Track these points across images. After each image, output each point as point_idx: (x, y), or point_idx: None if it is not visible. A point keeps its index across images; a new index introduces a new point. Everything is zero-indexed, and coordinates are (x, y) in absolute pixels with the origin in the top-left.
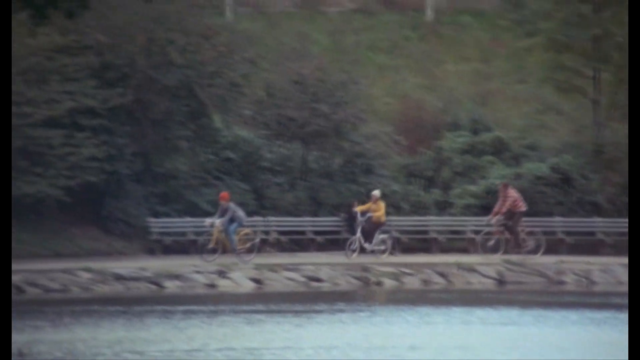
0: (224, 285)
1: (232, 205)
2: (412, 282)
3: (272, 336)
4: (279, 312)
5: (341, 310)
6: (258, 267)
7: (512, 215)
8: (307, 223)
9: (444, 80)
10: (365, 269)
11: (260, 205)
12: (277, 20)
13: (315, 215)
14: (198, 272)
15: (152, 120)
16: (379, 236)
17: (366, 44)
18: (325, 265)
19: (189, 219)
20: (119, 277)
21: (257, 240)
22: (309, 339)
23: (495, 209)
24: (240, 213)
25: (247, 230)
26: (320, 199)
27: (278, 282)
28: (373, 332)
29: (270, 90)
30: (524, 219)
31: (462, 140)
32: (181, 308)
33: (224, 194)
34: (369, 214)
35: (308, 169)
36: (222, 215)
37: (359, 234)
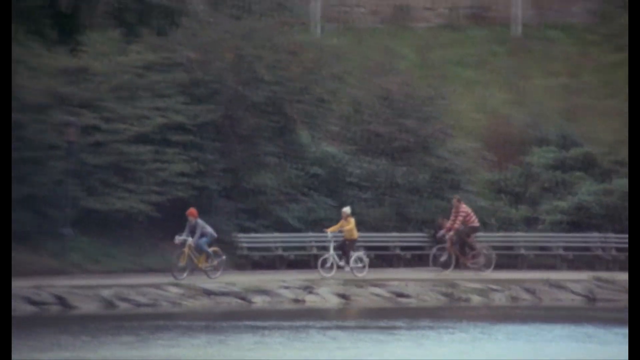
0: (310, 300)
1: (199, 221)
2: (500, 299)
3: (357, 352)
4: (364, 328)
5: (427, 327)
6: (344, 282)
7: (464, 230)
8: (393, 239)
9: (532, 95)
10: (452, 285)
11: None
12: (364, 36)
13: (402, 230)
14: (285, 287)
15: (241, 136)
16: (354, 253)
17: (453, 59)
18: (411, 281)
19: (276, 234)
20: (207, 292)
21: (224, 257)
22: (392, 355)
23: (448, 224)
24: (209, 229)
25: (215, 248)
26: (407, 214)
27: (364, 297)
28: (458, 350)
29: (357, 105)
30: (476, 234)
31: (550, 155)
32: (268, 323)
33: (192, 210)
34: (340, 231)
35: (394, 185)
36: (190, 232)
37: (332, 251)
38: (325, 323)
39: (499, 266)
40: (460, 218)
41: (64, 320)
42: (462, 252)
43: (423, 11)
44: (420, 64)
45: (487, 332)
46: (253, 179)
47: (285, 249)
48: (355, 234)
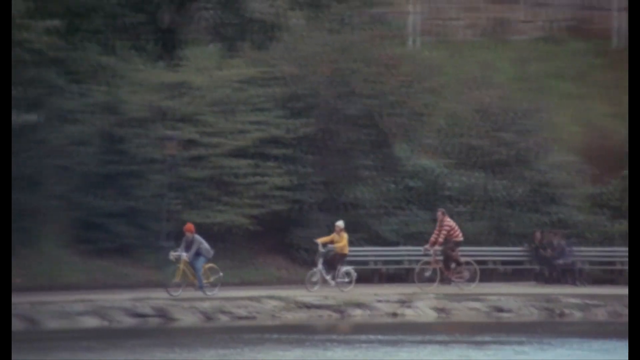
0: (407, 314)
1: (197, 237)
2: (599, 314)
3: None
4: (460, 342)
5: (524, 342)
6: (441, 296)
7: (448, 244)
8: (490, 252)
9: None
10: (550, 299)
11: None
12: (460, 49)
13: (498, 244)
14: (381, 300)
15: (336, 150)
16: (342, 268)
17: (552, 72)
18: (509, 296)
19: (372, 248)
20: (303, 305)
21: (221, 274)
22: None
23: (432, 238)
24: (206, 245)
25: (211, 264)
26: (504, 228)
27: (461, 311)
28: None
29: (453, 119)
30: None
31: None
32: (364, 337)
33: (189, 225)
34: (330, 246)
35: (491, 198)
36: (187, 248)
37: (320, 265)
38: (420, 337)
39: (599, 281)
40: (444, 232)
41: (163, 332)
42: (446, 267)
43: (521, 24)
44: (517, 76)
45: (587, 347)
46: (349, 192)
47: (381, 262)
48: (346, 249)
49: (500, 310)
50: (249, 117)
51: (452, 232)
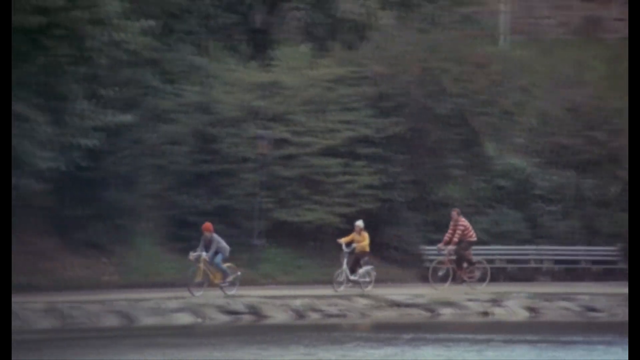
0: (498, 313)
1: (215, 236)
2: None
3: None
4: (551, 342)
5: (615, 342)
6: (533, 295)
7: (462, 244)
8: (581, 252)
9: None
10: None
11: (533, 233)
12: (551, 47)
13: (590, 244)
14: (472, 300)
15: (426, 149)
16: (362, 268)
17: None
18: (601, 295)
19: None
20: (394, 304)
21: (239, 273)
22: None
23: (446, 237)
24: (224, 244)
25: (229, 263)
26: (595, 227)
27: (553, 311)
28: None
29: (543, 118)
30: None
31: None
32: (452, 336)
33: (208, 225)
34: (353, 245)
35: (582, 197)
36: (205, 247)
37: (345, 265)
38: (510, 336)
39: None
40: (459, 231)
41: (254, 329)
42: (458, 266)
43: (613, 22)
44: (609, 75)
45: None
46: (438, 191)
47: (469, 261)
48: (367, 248)
49: (591, 309)
50: (339, 116)
51: (466, 231)
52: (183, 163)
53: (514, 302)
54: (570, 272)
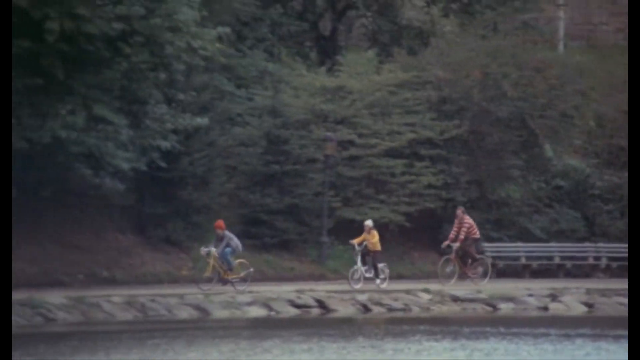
0: (555, 308)
1: (227, 233)
2: None
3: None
4: (606, 336)
5: None
6: (589, 291)
7: (467, 241)
8: None
9: None
10: None
11: (590, 231)
12: (608, 52)
13: None
14: (531, 295)
15: (486, 150)
16: (379, 264)
17: None
18: None
19: (521, 244)
20: (456, 299)
21: (251, 269)
22: None
23: (451, 235)
24: (236, 241)
25: (242, 259)
26: None
27: (609, 306)
28: None
29: (600, 120)
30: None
31: None
32: (511, 330)
33: (220, 222)
34: (364, 244)
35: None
36: (217, 244)
37: (359, 263)
38: (567, 330)
39: None
40: (464, 229)
41: (322, 322)
42: (463, 263)
43: None
44: None
45: None
46: (498, 191)
47: (529, 258)
48: (378, 246)
49: None
50: (402, 119)
51: (471, 229)
52: (254, 164)
53: (572, 297)
54: (627, 269)
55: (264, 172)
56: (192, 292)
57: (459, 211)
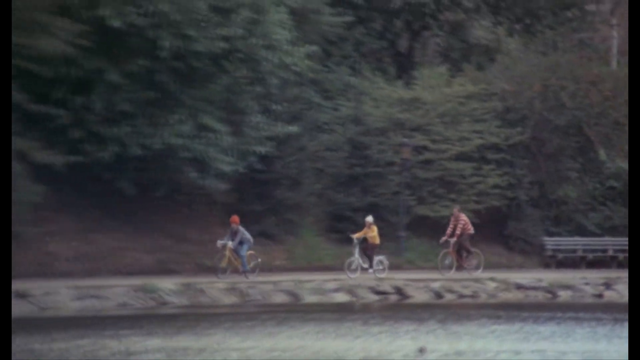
0: (609, 295)
1: (241, 228)
2: None
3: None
4: None
5: None
6: None
7: (462, 236)
8: None
9: None
10: None
11: None
12: None
13: None
14: (587, 283)
15: (546, 154)
16: (376, 257)
17: None
18: None
19: (578, 238)
20: (519, 287)
21: (259, 260)
22: None
23: (448, 231)
24: (248, 235)
25: (251, 251)
26: None
27: None
28: None
29: None
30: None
31: None
32: (569, 314)
33: (235, 217)
34: (364, 237)
35: None
36: (232, 238)
37: (356, 255)
38: (619, 315)
39: None
40: (460, 226)
41: (398, 307)
42: (459, 255)
43: None
44: None
45: None
46: (557, 191)
47: (585, 250)
48: (377, 240)
49: None
50: (471, 126)
51: (466, 226)
52: (339, 166)
53: (624, 286)
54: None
55: (347, 174)
56: (285, 280)
57: (455, 210)
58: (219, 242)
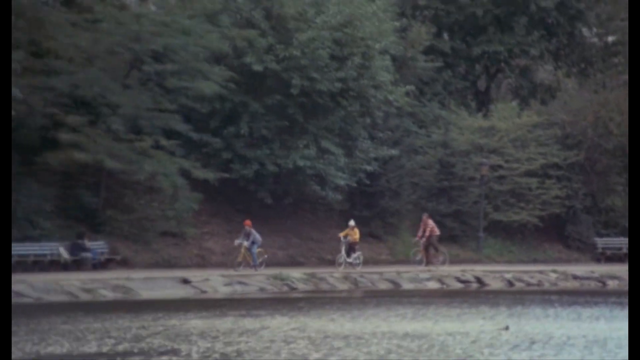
0: None
1: (253, 230)
2: None
3: None
4: None
5: None
6: None
7: (431, 238)
8: None
9: None
10: None
11: None
12: None
13: None
14: None
15: (597, 172)
16: (354, 254)
17: None
18: None
19: (623, 238)
20: (575, 277)
21: (266, 256)
22: None
23: (419, 234)
24: (258, 236)
25: (260, 249)
26: None
27: None
28: None
29: None
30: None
31: None
32: (613, 299)
33: (248, 221)
34: (348, 237)
35: None
36: (246, 238)
37: (343, 252)
38: None
39: None
40: (428, 229)
41: (479, 294)
42: (427, 253)
43: None
44: None
45: None
46: (606, 201)
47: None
48: (357, 239)
49: None
50: (536, 149)
51: (433, 229)
52: (430, 181)
53: None
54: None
55: (437, 187)
56: (388, 270)
57: (424, 217)
58: (236, 242)
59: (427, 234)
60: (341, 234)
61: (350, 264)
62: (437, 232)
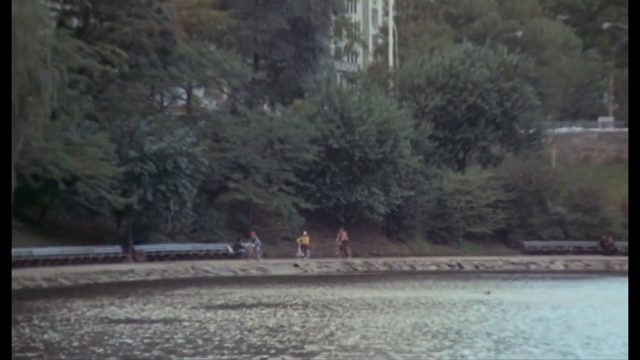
0: None
1: (257, 238)
2: None
3: None
4: None
5: None
6: None
7: (344, 242)
8: None
9: None
10: None
11: None
12: None
13: None
14: None
15: (524, 204)
16: (302, 252)
17: None
18: None
19: (540, 242)
20: (513, 263)
21: (265, 253)
22: None
23: (337, 239)
24: (259, 241)
25: (259, 248)
26: None
27: None
28: None
29: None
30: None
31: None
32: (537, 276)
33: (253, 232)
34: (302, 241)
35: None
36: (253, 242)
37: (299, 251)
38: None
39: None
40: (343, 236)
41: (459, 274)
42: (342, 250)
43: None
44: None
45: None
46: (528, 221)
47: None
48: (307, 242)
49: None
50: (490, 192)
51: (344, 237)
52: (431, 210)
53: None
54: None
55: (435, 213)
56: (408, 261)
57: (341, 229)
58: (246, 245)
59: (342, 239)
60: (298, 239)
61: (303, 258)
62: (346, 237)
